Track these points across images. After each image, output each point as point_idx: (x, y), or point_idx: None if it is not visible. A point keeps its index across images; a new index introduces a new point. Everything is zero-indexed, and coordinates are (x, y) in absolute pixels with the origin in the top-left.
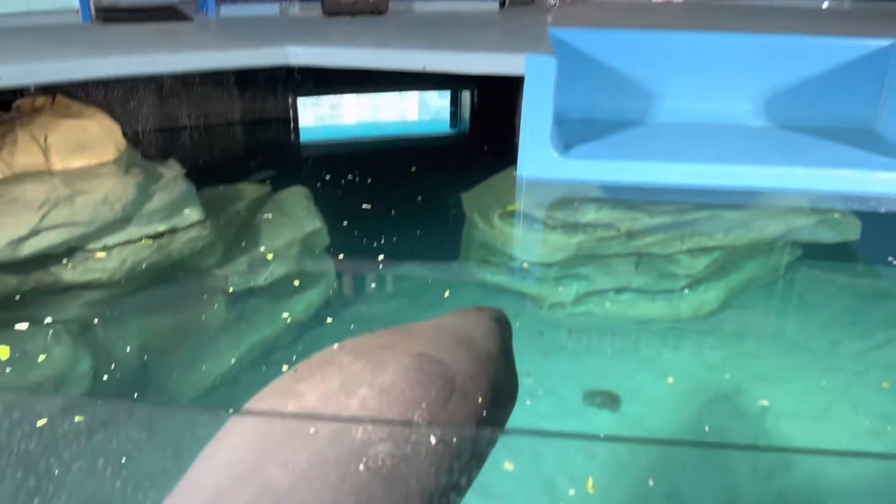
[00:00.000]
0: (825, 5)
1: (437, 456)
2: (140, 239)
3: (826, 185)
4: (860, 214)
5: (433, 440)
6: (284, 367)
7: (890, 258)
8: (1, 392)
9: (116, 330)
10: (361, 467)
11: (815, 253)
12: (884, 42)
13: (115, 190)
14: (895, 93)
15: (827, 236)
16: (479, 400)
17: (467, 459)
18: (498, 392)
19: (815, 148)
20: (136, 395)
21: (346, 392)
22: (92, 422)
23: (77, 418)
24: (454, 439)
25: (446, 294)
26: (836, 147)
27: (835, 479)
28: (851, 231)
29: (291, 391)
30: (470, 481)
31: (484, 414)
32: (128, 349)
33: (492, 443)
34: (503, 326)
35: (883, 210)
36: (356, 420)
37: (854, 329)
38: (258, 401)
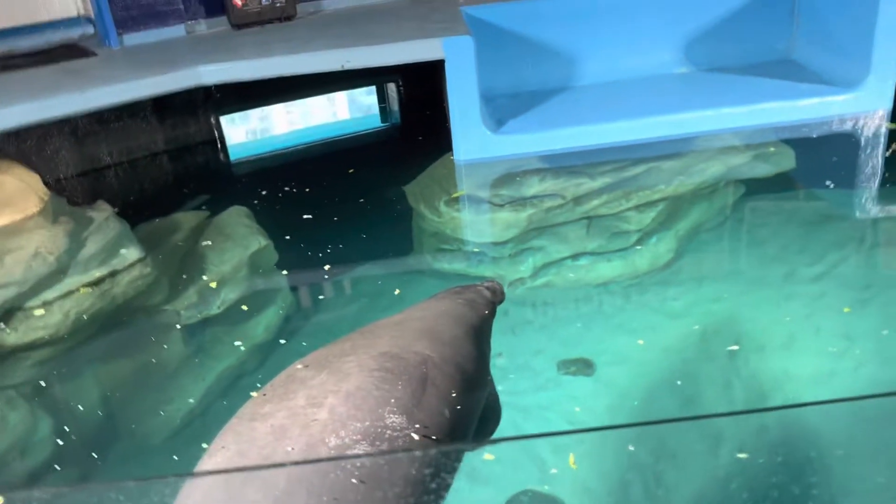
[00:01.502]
0: None
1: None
2: (79, 288)
3: (755, 120)
4: (793, 143)
5: (411, 440)
6: (253, 393)
7: (827, 182)
8: None
9: (72, 385)
10: (341, 475)
11: (756, 188)
12: None
13: (46, 242)
14: (805, 20)
15: (765, 170)
16: (451, 387)
17: (445, 457)
18: (468, 376)
19: (739, 85)
20: (103, 449)
21: (314, 405)
22: None
23: None
24: (431, 438)
25: (404, 290)
26: (759, 81)
27: (812, 428)
28: (787, 161)
29: (258, 415)
30: (452, 475)
31: (457, 400)
32: (88, 403)
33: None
34: (476, 306)
35: (814, 135)
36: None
37: (805, 256)
38: (226, 432)
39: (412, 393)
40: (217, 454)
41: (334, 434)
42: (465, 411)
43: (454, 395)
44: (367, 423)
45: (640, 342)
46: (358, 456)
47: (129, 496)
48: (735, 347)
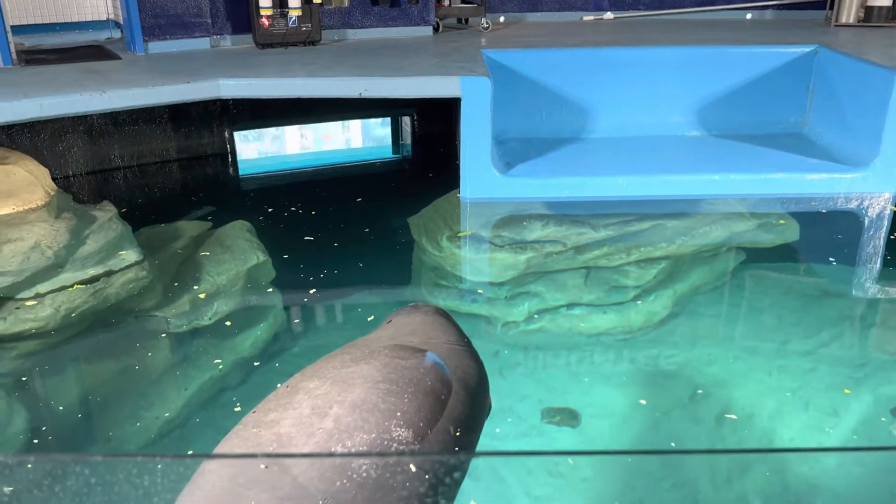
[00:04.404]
0: (749, 16)
1: (420, 463)
2: (73, 284)
3: (762, 189)
4: (798, 216)
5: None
6: (237, 409)
7: (830, 258)
8: None
9: (53, 381)
10: (346, 482)
11: (757, 256)
12: (806, 48)
13: (46, 235)
14: (820, 97)
15: (767, 239)
16: (455, 403)
17: (449, 462)
18: (471, 391)
19: (749, 154)
20: (76, 451)
21: (319, 414)
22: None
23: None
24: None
25: None
26: (769, 152)
27: (792, 478)
28: (791, 232)
29: (263, 422)
30: (456, 482)
31: (462, 416)
32: (67, 401)
33: (473, 446)
34: (449, 319)
35: (820, 210)
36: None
37: (801, 329)
38: (230, 438)
39: (418, 407)
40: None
41: (340, 444)
42: (468, 428)
43: (458, 411)
44: (374, 436)
45: (628, 398)
46: (362, 455)
47: (131, 471)
48: (729, 416)
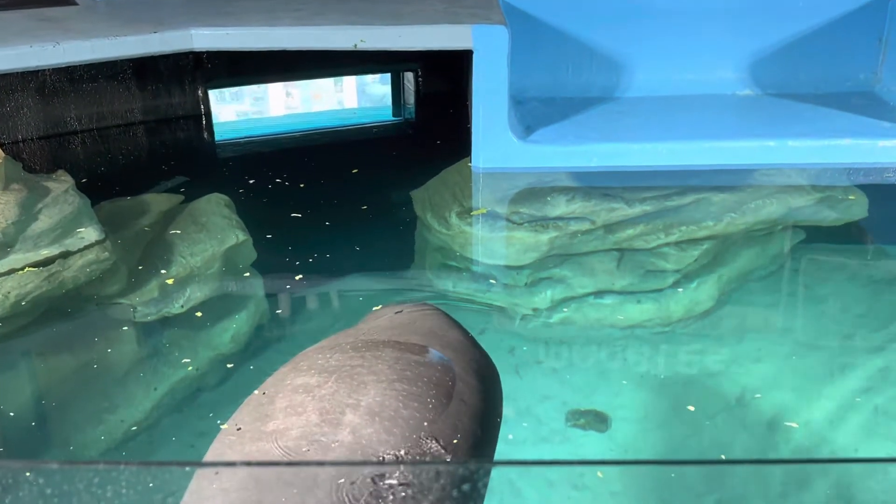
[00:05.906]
0: None
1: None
2: (24, 267)
3: (825, 158)
4: (866, 189)
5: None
6: (221, 422)
7: None
8: None
9: (2, 379)
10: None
11: (819, 236)
12: None
13: None
14: (895, 49)
15: (831, 216)
16: (478, 402)
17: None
18: (489, 385)
19: (810, 116)
20: (33, 456)
21: (331, 422)
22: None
23: None
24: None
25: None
26: (834, 114)
27: (857, 493)
28: (859, 209)
29: (264, 433)
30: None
31: (485, 417)
32: (18, 401)
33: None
34: (445, 313)
35: (894, 182)
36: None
37: (869, 321)
38: (222, 449)
39: (445, 414)
40: (223, 475)
41: (362, 455)
42: (493, 437)
43: (482, 411)
44: (402, 452)
45: (665, 399)
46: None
47: (92, 480)
48: (774, 412)
